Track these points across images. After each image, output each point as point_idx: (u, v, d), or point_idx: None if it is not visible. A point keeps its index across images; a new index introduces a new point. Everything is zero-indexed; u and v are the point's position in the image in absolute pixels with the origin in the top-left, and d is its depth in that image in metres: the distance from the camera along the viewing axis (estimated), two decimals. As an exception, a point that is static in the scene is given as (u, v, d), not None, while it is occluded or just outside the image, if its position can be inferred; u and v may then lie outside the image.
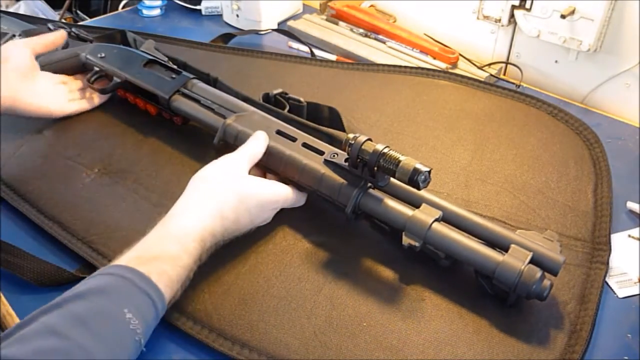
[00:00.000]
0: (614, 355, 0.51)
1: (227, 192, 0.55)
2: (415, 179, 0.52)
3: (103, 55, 0.78)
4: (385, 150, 0.54)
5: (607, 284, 0.57)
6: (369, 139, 0.55)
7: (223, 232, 0.54)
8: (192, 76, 0.73)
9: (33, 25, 0.91)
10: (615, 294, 0.57)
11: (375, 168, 0.55)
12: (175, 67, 0.76)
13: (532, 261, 0.51)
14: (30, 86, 0.73)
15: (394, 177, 0.53)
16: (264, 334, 0.51)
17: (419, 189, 0.53)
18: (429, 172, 0.52)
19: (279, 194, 0.59)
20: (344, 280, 0.57)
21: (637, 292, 0.57)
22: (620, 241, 0.62)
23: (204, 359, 0.51)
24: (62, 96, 0.78)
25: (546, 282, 0.50)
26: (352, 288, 0.56)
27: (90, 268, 0.58)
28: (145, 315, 0.46)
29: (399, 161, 0.53)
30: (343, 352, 0.50)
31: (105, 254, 0.59)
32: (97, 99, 0.81)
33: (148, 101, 0.76)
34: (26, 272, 0.57)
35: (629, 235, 0.63)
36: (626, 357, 0.51)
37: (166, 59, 0.78)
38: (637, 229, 0.64)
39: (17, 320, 0.54)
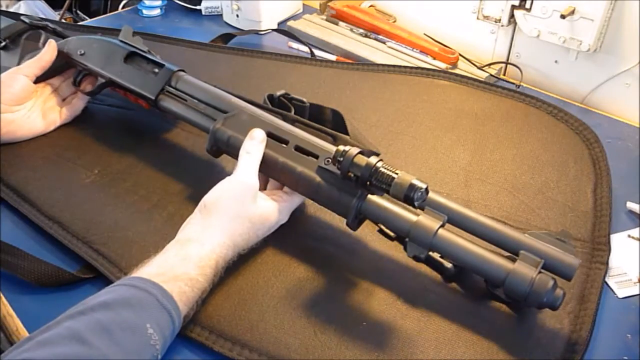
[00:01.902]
0: (614, 355, 0.51)
1: (237, 220, 0.55)
2: (411, 195, 0.49)
3: (83, 52, 0.75)
4: (378, 165, 0.51)
5: (607, 284, 0.57)
6: (360, 152, 0.52)
7: (233, 256, 0.56)
8: (176, 68, 0.70)
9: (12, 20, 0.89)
10: (615, 294, 0.57)
11: (368, 183, 0.52)
12: (156, 58, 0.72)
13: (544, 266, 0.49)
14: (23, 112, 0.73)
15: (388, 194, 0.51)
16: (264, 334, 0.51)
17: (414, 206, 0.50)
18: (426, 189, 0.50)
19: (285, 210, 0.59)
20: (344, 279, 0.57)
21: (637, 292, 0.57)
22: (620, 241, 0.62)
23: (205, 359, 0.51)
24: (55, 111, 0.76)
25: (559, 291, 0.48)
26: (352, 288, 0.56)
27: (91, 269, 0.58)
28: (165, 332, 0.46)
29: (392, 178, 0.50)
30: (343, 352, 0.50)
31: (105, 255, 0.59)
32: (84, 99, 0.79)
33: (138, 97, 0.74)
34: (26, 272, 0.57)
35: (629, 236, 0.63)
36: (626, 357, 0.51)
37: (146, 49, 0.74)
38: (637, 229, 0.64)
39: (17, 320, 0.54)
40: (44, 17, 1.27)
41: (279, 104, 0.73)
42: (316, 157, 0.57)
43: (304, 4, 1.14)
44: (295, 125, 0.69)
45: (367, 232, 0.61)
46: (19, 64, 0.77)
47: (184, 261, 0.51)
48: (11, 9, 1.38)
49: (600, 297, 0.55)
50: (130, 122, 0.78)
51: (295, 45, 1.01)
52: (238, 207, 0.55)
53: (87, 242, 0.60)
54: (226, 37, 1.02)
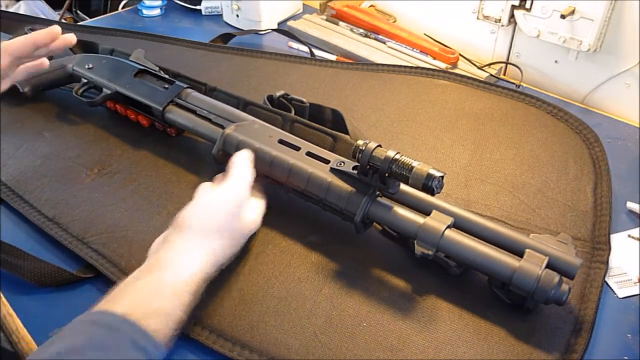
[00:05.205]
0: (614, 355, 0.51)
1: (217, 237, 0.53)
2: (429, 184, 0.51)
3: (91, 66, 0.76)
4: (397, 157, 0.53)
5: (607, 284, 0.57)
6: (379, 145, 0.54)
7: (215, 271, 0.53)
8: (186, 85, 0.71)
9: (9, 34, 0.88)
10: (615, 294, 0.57)
11: (387, 175, 0.54)
12: (167, 76, 0.74)
13: (547, 265, 0.50)
14: None
15: (407, 183, 0.52)
16: (264, 334, 0.51)
17: (433, 194, 0.52)
18: (442, 177, 0.51)
19: (260, 211, 0.59)
20: (344, 280, 0.57)
21: (637, 292, 0.57)
22: (620, 241, 0.62)
23: (205, 359, 0.51)
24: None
25: (565, 287, 0.50)
26: (352, 288, 0.56)
27: (91, 268, 0.58)
28: None
29: (412, 167, 0.52)
30: (343, 352, 0.50)
31: (105, 255, 0.59)
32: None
33: (140, 112, 0.74)
34: (26, 272, 0.57)
35: (629, 235, 0.63)
36: (626, 357, 0.51)
37: (157, 68, 0.76)
38: (637, 229, 0.64)
39: (17, 320, 0.54)
40: (44, 17, 1.27)
41: (279, 105, 0.73)
42: (327, 162, 0.59)
43: (304, 4, 1.14)
44: (295, 125, 0.69)
45: (368, 233, 0.61)
46: None
47: (158, 293, 0.48)
48: (11, 9, 1.38)
49: (600, 297, 0.54)
50: (130, 122, 0.78)
51: (295, 45, 1.01)
52: (221, 221, 0.54)
53: (86, 243, 0.60)
54: (226, 37, 1.02)
